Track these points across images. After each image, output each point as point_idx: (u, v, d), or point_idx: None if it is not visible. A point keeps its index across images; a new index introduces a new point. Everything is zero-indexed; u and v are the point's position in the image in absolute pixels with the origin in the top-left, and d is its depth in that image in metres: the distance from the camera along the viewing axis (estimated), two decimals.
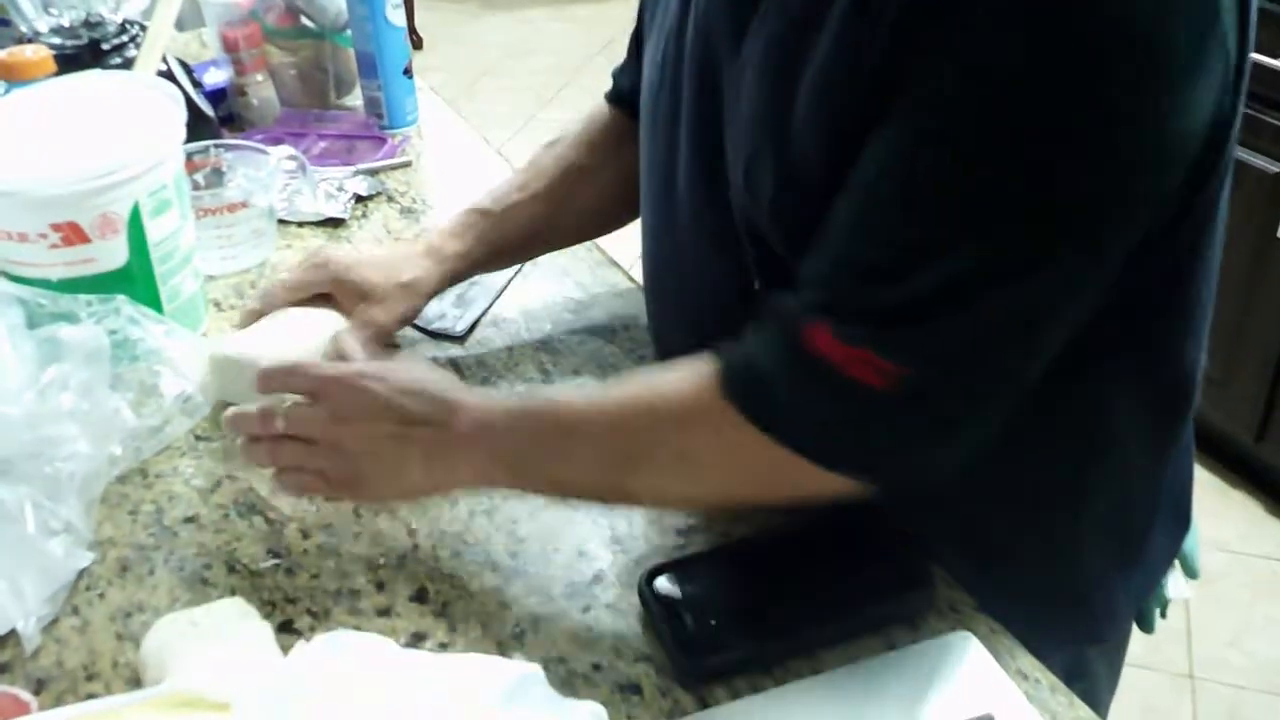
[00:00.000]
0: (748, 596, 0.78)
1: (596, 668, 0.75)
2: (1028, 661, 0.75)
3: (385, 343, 1.01)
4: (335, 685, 0.63)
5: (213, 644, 0.72)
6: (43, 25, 1.35)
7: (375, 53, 1.39)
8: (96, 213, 0.94)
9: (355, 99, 1.50)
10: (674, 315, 0.94)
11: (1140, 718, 1.90)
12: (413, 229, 1.25)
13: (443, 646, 0.77)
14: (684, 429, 0.74)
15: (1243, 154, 1.92)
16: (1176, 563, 0.95)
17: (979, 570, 0.81)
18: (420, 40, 4.33)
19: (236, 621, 0.75)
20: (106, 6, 1.36)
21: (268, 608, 0.79)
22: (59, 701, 0.74)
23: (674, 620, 0.75)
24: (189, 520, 0.88)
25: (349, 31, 1.42)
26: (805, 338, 0.68)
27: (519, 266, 1.14)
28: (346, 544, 0.85)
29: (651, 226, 0.93)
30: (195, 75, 1.39)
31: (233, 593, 0.81)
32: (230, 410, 0.86)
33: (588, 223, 1.08)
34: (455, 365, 1.03)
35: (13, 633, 0.77)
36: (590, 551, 0.84)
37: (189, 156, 1.16)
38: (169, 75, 1.29)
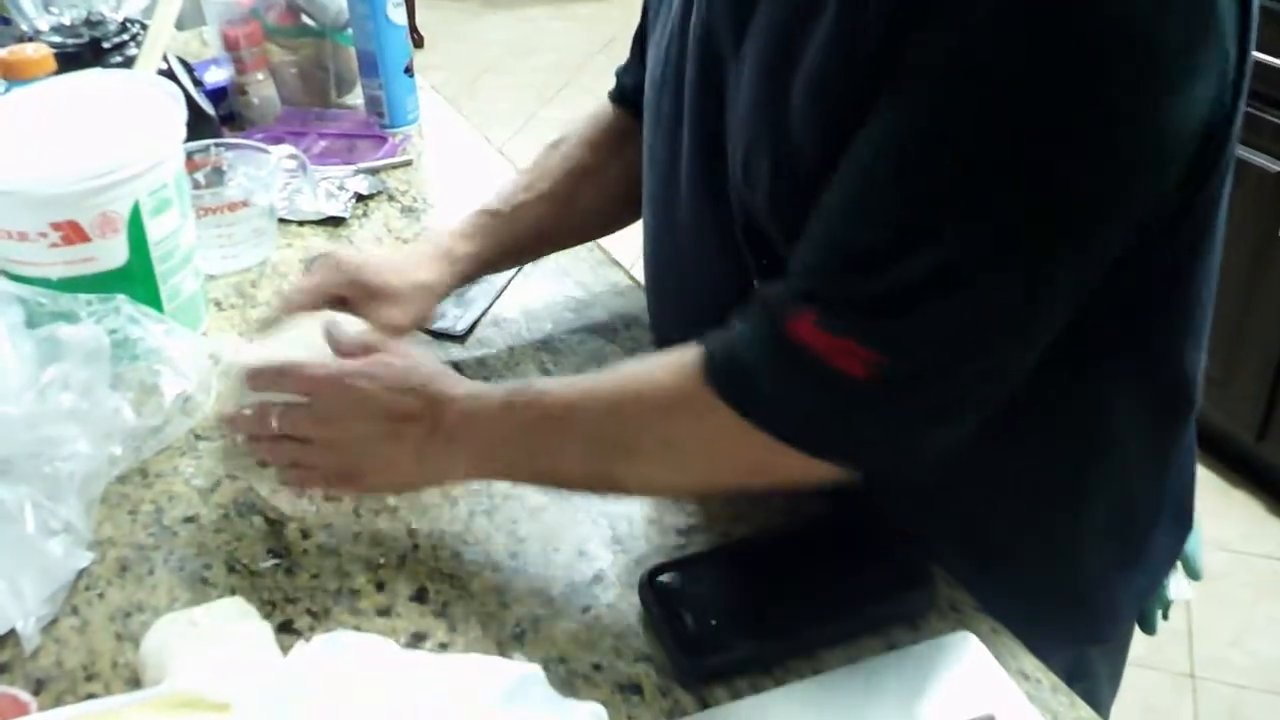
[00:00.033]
0: (748, 596, 0.78)
1: (597, 668, 0.75)
2: (1029, 662, 0.75)
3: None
4: (335, 685, 0.63)
5: (213, 644, 0.72)
6: (43, 24, 1.35)
7: (376, 51, 1.39)
8: (96, 212, 0.94)
9: (356, 98, 1.50)
10: (675, 315, 0.94)
11: (1141, 717, 1.90)
12: (413, 228, 1.25)
13: (443, 646, 0.77)
14: (668, 416, 0.74)
15: (1244, 153, 1.92)
16: (1179, 563, 0.95)
17: (979, 570, 0.81)
18: (421, 39, 4.33)
19: (236, 621, 0.75)
20: (107, 5, 1.36)
21: (268, 608, 0.79)
22: (58, 702, 0.74)
23: (674, 620, 0.75)
24: (189, 520, 0.88)
25: (350, 30, 1.42)
26: (789, 327, 0.68)
27: (520, 265, 1.14)
28: (346, 544, 0.85)
29: (653, 226, 0.93)
30: (196, 74, 1.39)
31: (233, 593, 0.81)
32: (227, 410, 0.87)
33: (592, 222, 1.08)
34: (456, 365, 1.03)
35: (12, 633, 0.77)
36: (590, 551, 0.84)
37: (189, 155, 1.16)
38: (169, 74, 1.29)
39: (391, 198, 1.31)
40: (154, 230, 0.98)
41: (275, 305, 1.00)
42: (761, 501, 0.86)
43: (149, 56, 1.23)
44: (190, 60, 1.42)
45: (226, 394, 0.96)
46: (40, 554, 0.80)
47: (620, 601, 0.80)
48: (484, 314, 1.10)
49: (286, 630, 0.78)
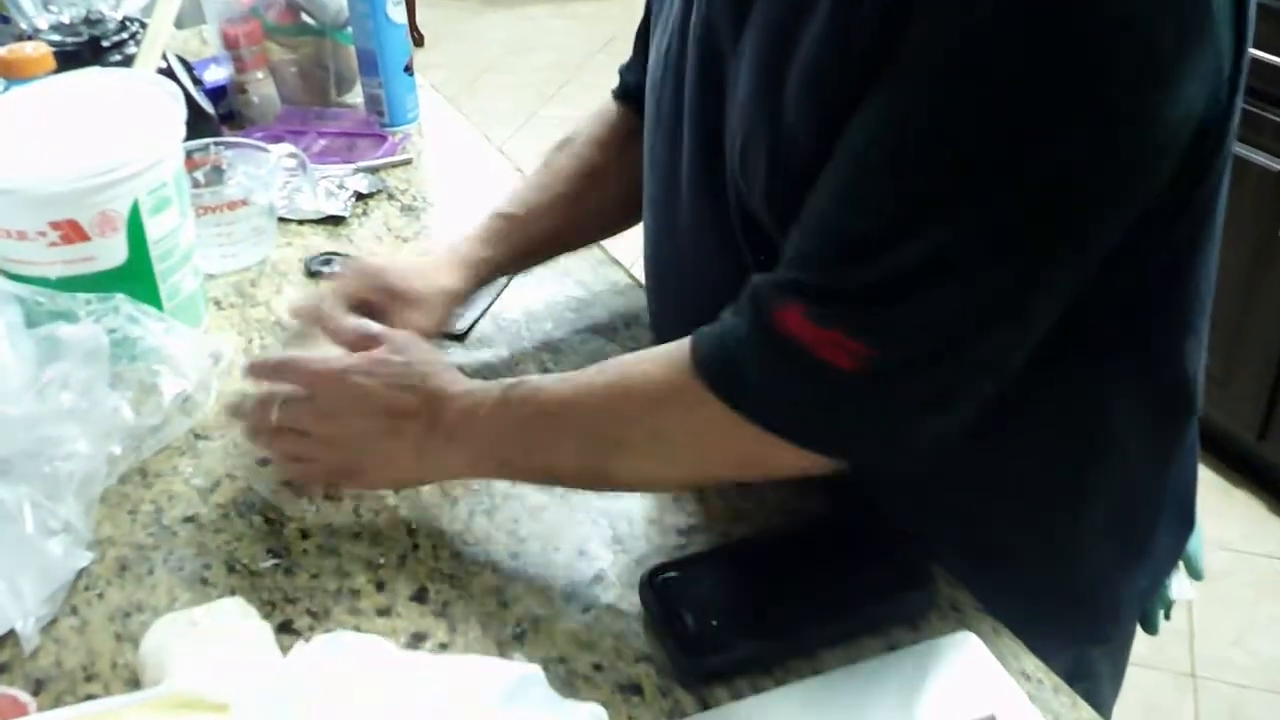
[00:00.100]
0: (749, 596, 0.78)
1: (597, 668, 0.75)
2: (1031, 662, 0.75)
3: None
4: (335, 686, 0.63)
5: (212, 644, 0.72)
6: (43, 22, 1.35)
7: (376, 50, 1.39)
8: (96, 210, 0.94)
9: (356, 96, 1.50)
10: (675, 314, 0.94)
11: (1143, 717, 1.89)
12: (413, 227, 1.25)
13: (443, 646, 0.77)
14: (659, 409, 0.75)
15: (1245, 151, 1.92)
16: (1181, 563, 0.95)
17: (979, 570, 0.80)
18: (421, 37, 4.32)
19: (236, 621, 0.75)
20: (107, 4, 1.36)
21: (267, 608, 0.79)
22: (58, 702, 0.73)
23: (675, 620, 0.75)
24: (188, 520, 0.87)
25: (350, 29, 1.42)
26: (776, 317, 0.68)
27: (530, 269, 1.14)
28: (346, 544, 0.85)
29: (653, 226, 0.93)
30: (195, 72, 1.39)
31: (233, 593, 0.80)
32: (229, 400, 0.88)
33: (603, 223, 1.08)
34: (456, 366, 1.03)
35: (11, 633, 0.77)
36: (591, 551, 0.84)
37: (189, 154, 1.16)
38: (169, 72, 1.29)
39: (391, 196, 1.31)
40: (153, 229, 0.98)
41: (303, 311, 0.96)
42: (761, 501, 0.86)
43: (148, 55, 1.23)
44: (190, 59, 1.41)
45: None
46: (40, 554, 0.80)
47: (620, 601, 0.79)
48: (484, 313, 1.10)
49: (286, 630, 0.78)
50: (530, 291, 1.13)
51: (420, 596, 0.80)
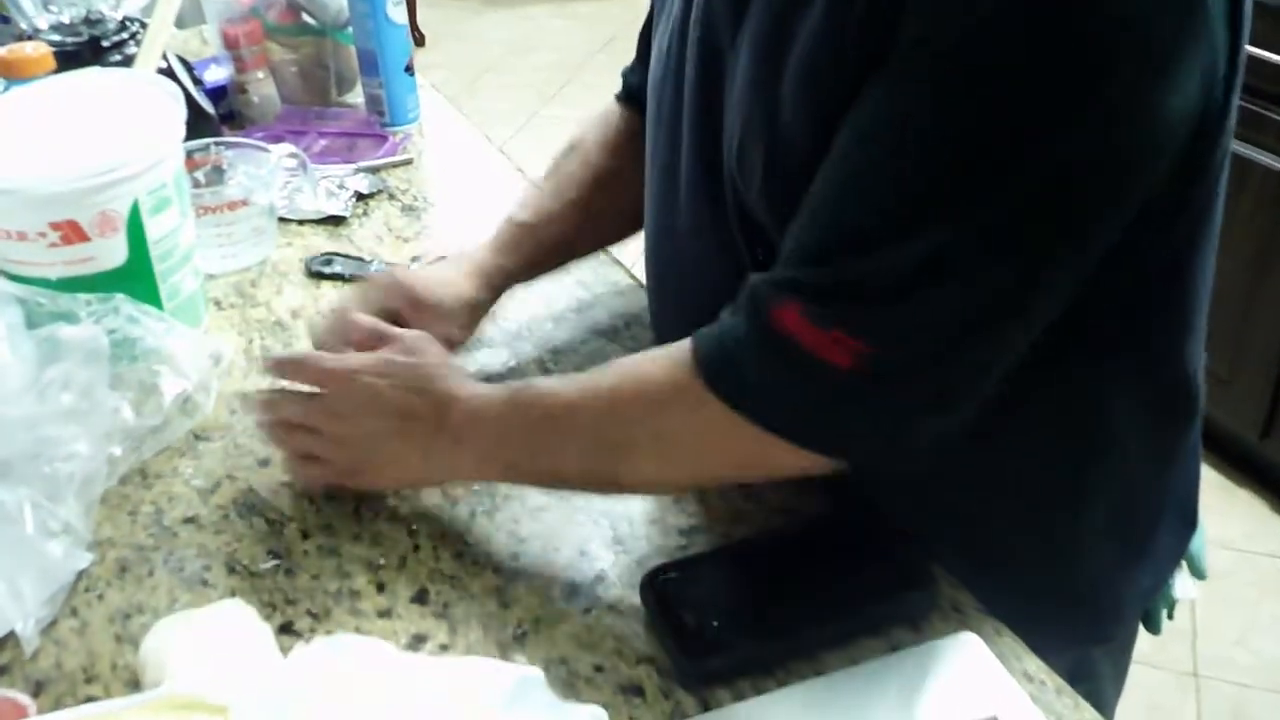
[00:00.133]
0: (750, 597, 0.77)
1: (598, 669, 0.75)
2: (1033, 663, 0.75)
3: None
4: (335, 688, 0.63)
5: (212, 646, 0.72)
6: (43, 22, 1.35)
7: (377, 50, 1.39)
8: (96, 211, 0.94)
9: (356, 96, 1.49)
10: (675, 315, 0.94)
11: (1145, 716, 1.89)
12: (414, 227, 1.25)
13: (443, 648, 0.76)
14: (661, 410, 0.75)
15: (1248, 151, 1.91)
16: (1184, 563, 0.95)
17: (979, 570, 0.80)
18: (422, 37, 4.32)
19: (236, 623, 0.74)
20: (107, 3, 1.36)
21: (268, 609, 0.79)
22: (58, 704, 0.73)
23: (676, 621, 0.75)
24: (189, 521, 0.87)
25: (350, 28, 1.42)
26: (774, 317, 0.68)
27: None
28: (347, 545, 0.85)
29: (653, 226, 0.93)
30: (196, 72, 1.39)
31: (232, 594, 0.80)
32: (246, 394, 0.91)
33: (613, 228, 1.07)
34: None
35: (11, 635, 0.77)
36: (592, 552, 0.84)
37: (189, 154, 1.16)
38: (169, 72, 1.29)
39: (392, 196, 1.31)
40: (153, 229, 0.98)
41: (331, 324, 0.94)
42: (762, 502, 0.86)
43: (148, 55, 1.22)
44: (190, 59, 1.41)
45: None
46: (40, 555, 0.80)
47: (621, 602, 0.79)
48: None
49: (286, 632, 0.78)
50: (530, 291, 1.13)
51: (421, 598, 0.80)
